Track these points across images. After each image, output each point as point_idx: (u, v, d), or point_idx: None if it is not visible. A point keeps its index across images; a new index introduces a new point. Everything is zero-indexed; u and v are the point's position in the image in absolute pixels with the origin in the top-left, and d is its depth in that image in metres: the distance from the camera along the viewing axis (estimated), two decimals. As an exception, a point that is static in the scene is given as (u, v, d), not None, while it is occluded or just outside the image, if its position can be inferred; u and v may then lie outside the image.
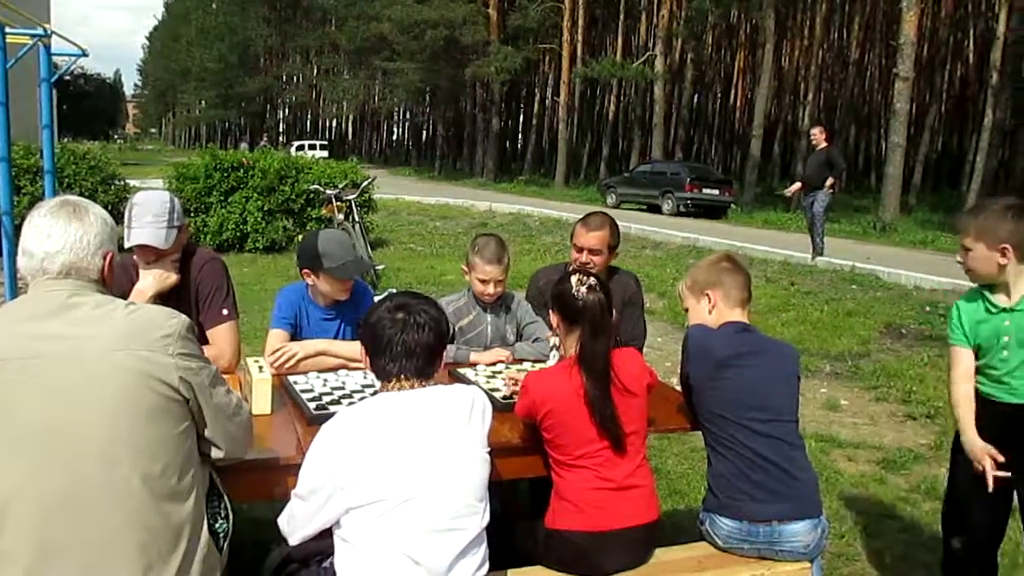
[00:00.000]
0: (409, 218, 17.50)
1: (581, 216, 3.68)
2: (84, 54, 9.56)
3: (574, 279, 2.44)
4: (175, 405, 1.82)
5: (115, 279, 2.15)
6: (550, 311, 2.56)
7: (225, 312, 3.00)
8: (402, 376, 2.02)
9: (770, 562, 2.54)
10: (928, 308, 8.94)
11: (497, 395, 2.76)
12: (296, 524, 2.00)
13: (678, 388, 2.93)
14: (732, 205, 24.14)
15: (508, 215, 18.18)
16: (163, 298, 2.90)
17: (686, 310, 2.83)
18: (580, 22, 35.99)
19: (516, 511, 2.73)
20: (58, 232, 1.86)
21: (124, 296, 2.35)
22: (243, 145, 45.69)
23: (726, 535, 2.54)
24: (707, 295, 2.73)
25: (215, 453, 1.99)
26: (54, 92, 8.99)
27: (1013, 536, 4.03)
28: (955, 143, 41.14)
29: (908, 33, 19.20)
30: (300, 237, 11.27)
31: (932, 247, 16.78)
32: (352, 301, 3.27)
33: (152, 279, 2.87)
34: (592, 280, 2.44)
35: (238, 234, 12.02)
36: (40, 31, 8.49)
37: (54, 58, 9.19)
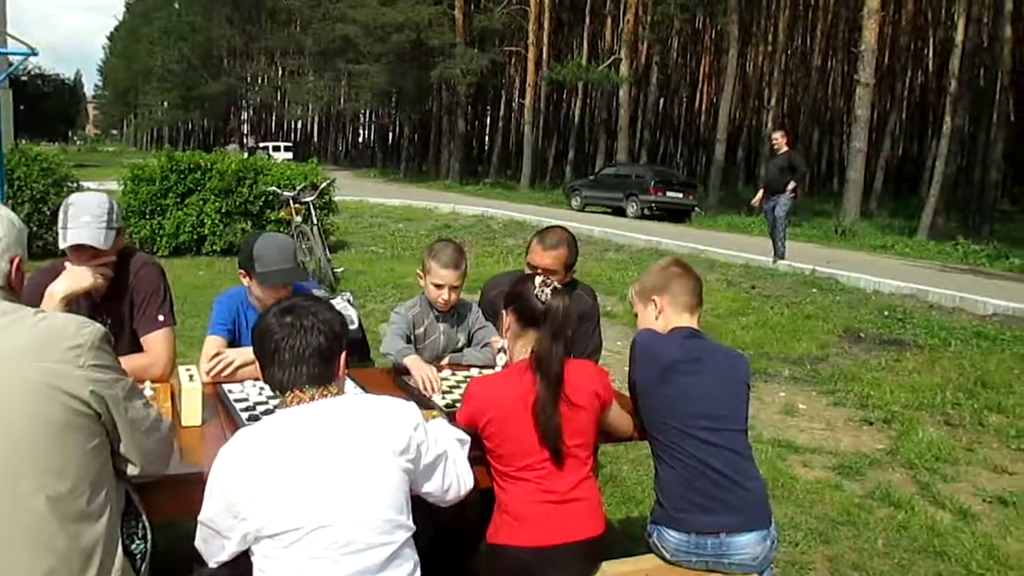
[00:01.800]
0: (371, 220, 17.32)
1: (539, 229, 3.56)
2: (34, 53, 9.34)
3: (537, 280, 2.36)
4: (86, 420, 1.71)
5: (39, 286, 2.03)
6: (504, 312, 2.46)
7: (161, 318, 2.89)
8: (295, 387, 1.87)
9: (718, 575, 2.47)
10: (887, 312, 8.98)
11: (441, 403, 2.68)
12: (209, 550, 1.88)
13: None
14: (696, 208, 24.29)
15: (471, 217, 18.06)
16: (96, 303, 2.79)
17: (636, 315, 2.76)
18: (546, 25, 36.02)
19: (464, 525, 2.63)
20: None
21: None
22: (233, 146, 44.96)
23: (674, 548, 2.47)
24: (654, 300, 2.66)
25: (131, 470, 1.88)
26: (10, 93, 8.81)
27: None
28: (914, 149, 41.81)
29: (869, 40, 19.42)
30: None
31: (892, 251, 16.98)
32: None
33: (66, 280, 2.64)
34: (556, 283, 2.36)
35: (195, 237, 11.80)
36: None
37: (6, 57, 9.00)
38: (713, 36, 43.07)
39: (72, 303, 2.64)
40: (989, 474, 4.97)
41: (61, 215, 2.71)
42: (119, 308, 2.87)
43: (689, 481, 2.46)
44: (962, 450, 5.31)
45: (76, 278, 2.65)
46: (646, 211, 22.83)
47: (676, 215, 23.36)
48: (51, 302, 2.55)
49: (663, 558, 2.50)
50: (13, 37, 8.43)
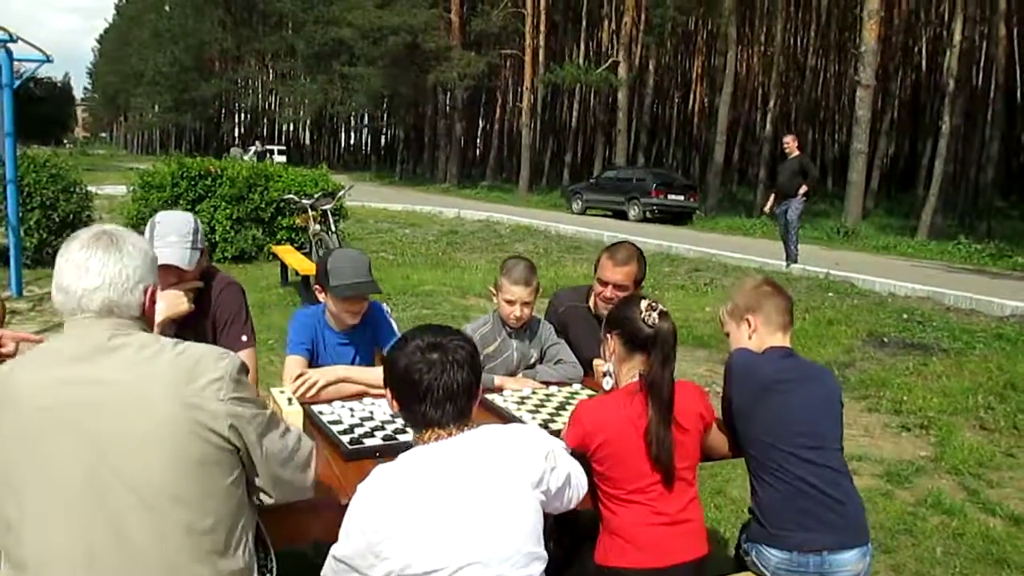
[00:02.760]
0: (377, 225, 17.29)
1: (608, 244, 3.56)
2: (48, 60, 9.30)
3: (643, 304, 2.35)
4: (225, 455, 1.69)
5: None
6: (608, 335, 2.46)
7: (244, 338, 2.87)
8: (443, 425, 1.85)
9: (820, 593, 2.47)
10: (906, 316, 9.02)
11: (533, 423, 2.67)
12: None
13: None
14: (696, 211, 24.37)
15: (477, 222, 18.06)
16: (181, 324, 2.77)
17: (727, 335, 2.77)
18: (542, 28, 36.04)
19: (561, 547, 2.63)
20: (95, 266, 1.71)
21: None
22: (236, 151, 44.88)
23: (775, 566, 2.47)
24: (747, 320, 2.66)
25: (266, 500, 1.85)
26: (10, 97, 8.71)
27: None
28: (907, 147, 42.01)
29: (869, 41, 19.51)
30: (272, 247, 11.12)
31: (895, 252, 17.07)
32: (369, 325, 3.16)
33: (164, 304, 2.62)
34: (662, 306, 2.36)
35: (206, 244, 11.74)
36: (4, 36, 8.23)
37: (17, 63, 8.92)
38: (706, 37, 43.17)
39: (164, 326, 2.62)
40: (1032, 480, 4.99)
41: (147, 233, 2.69)
42: (202, 329, 2.86)
43: (789, 499, 2.46)
44: (1002, 455, 5.33)
45: (173, 303, 2.65)
46: (648, 214, 22.91)
47: (677, 218, 23.44)
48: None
49: (762, 576, 2.50)
50: (27, 43, 8.35)
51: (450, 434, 1.86)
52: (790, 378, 2.54)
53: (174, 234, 2.68)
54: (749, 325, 2.66)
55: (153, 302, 1.83)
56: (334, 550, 1.84)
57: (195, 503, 1.64)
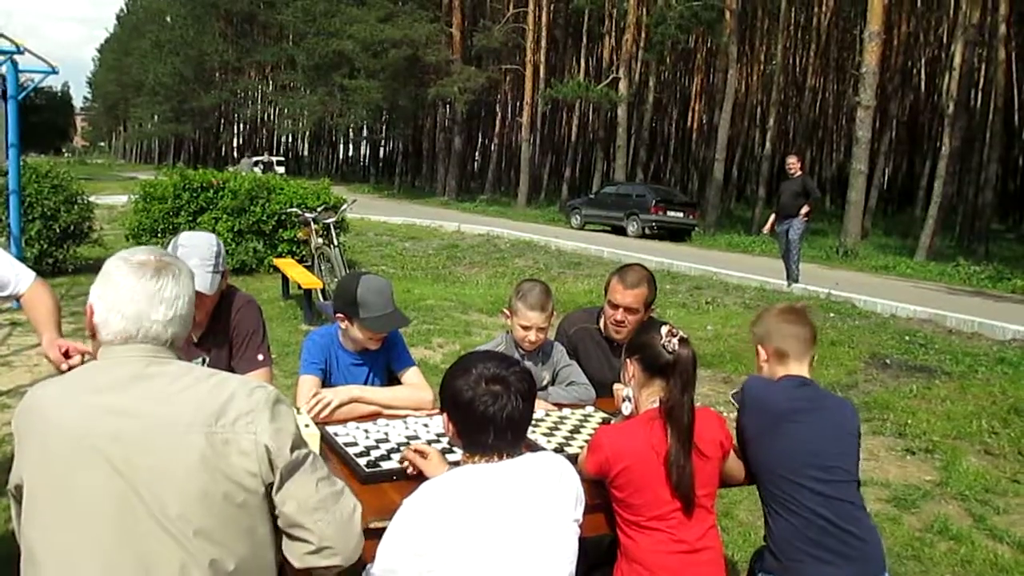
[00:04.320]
0: (377, 239, 17.28)
1: (618, 267, 3.56)
2: (54, 71, 9.30)
3: (664, 330, 2.34)
4: (252, 495, 1.63)
5: None
6: (628, 360, 2.45)
7: (260, 357, 2.86)
8: (500, 450, 1.90)
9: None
10: (908, 338, 9.02)
11: (549, 446, 2.66)
12: None
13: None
14: (695, 228, 24.42)
15: (478, 236, 18.06)
16: (198, 342, 2.75)
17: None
18: (543, 43, 36.19)
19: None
20: (168, 297, 1.70)
21: None
22: (245, 162, 44.88)
23: (787, 598, 2.45)
24: (766, 347, 2.65)
25: (308, 559, 1.72)
26: (12, 104, 8.69)
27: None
28: (905, 168, 42.20)
29: (870, 63, 19.60)
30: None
31: (895, 272, 17.09)
32: (382, 347, 3.14)
33: None
34: (682, 332, 2.35)
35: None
36: (12, 48, 8.24)
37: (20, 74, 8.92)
38: (706, 55, 43.38)
39: None
40: (1038, 506, 4.98)
41: (170, 251, 2.67)
42: (219, 347, 2.84)
43: (801, 531, 2.43)
44: (1008, 481, 5.32)
45: None
46: (647, 230, 22.93)
47: (676, 234, 23.47)
48: None
49: (779, 608, 2.47)
50: (35, 55, 8.35)
51: (501, 458, 1.90)
52: (802, 408, 2.52)
53: (196, 257, 2.67)
54: (766, 352, 2.65)
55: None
56: (373, 568, 1.82)
57: (220, 540, 1.60)
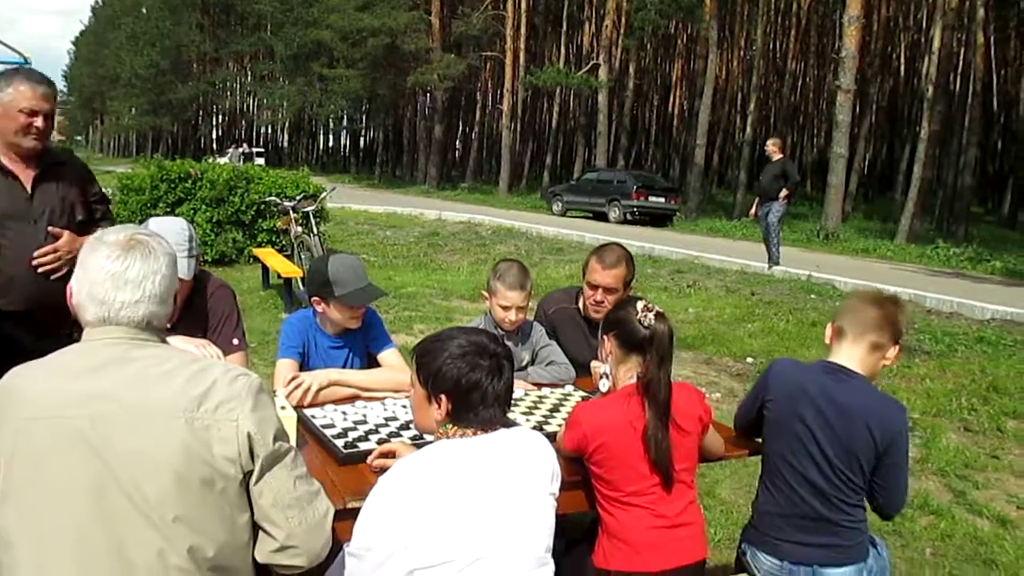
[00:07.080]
0: (357, 227, 17.19)
1: (596, 247, 3.54)
2: (26, 62, 9.20)
3: (639, 305, 2.33)
4: (231, 481, 1.61)
5: None
6: (605, 337, 2.44)
7: (235, 342, 2.83)
8: (493, 422, 1.91)
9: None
10: (888, 317, 9.07)
11: (528, 425, 2.65)
12: None
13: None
14: (677, 213, 24.47)
15: (458, 223, 18.02)
16: (172, 327, 2.71)
17: None
18: (523, 30, 36.06)
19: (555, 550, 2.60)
20: (135, 276, 1.65)
21: None
22: (231, 152, 44.51)
23: (767, 571, 2.45)
24: (830, 325, 2.53)
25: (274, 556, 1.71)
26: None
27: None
28: (885, 152, 42.44)
29: (850, 47, 19.65)
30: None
31: (875, 255, 17.21)
32: (361, 329, 3.12)
33: None
34: (658, 308, 2.34)
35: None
36: (-19, 36, 8.11)
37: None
38: (686, 41, 43.39)
39: None
40: (1017, 480, 5.02)
41: None
42: (193, 332, 2.80)
43: (787, 509, 2.42)
44: (987, 457, 5.36)
45: None
46: (628, 216, 22.95)
47: (658, 220, 23.52)
48: None
49: (756, 579, 2.47)
50: (6, 45, 8.24)
51: (474, 433, 1.89)
52: (817, 395, 2.40)
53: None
54: (829, 331, 2.53)
55: (176, 305, 1.79)
56: (349, 547, 1.80)
57: (199, 527, 1.57)
